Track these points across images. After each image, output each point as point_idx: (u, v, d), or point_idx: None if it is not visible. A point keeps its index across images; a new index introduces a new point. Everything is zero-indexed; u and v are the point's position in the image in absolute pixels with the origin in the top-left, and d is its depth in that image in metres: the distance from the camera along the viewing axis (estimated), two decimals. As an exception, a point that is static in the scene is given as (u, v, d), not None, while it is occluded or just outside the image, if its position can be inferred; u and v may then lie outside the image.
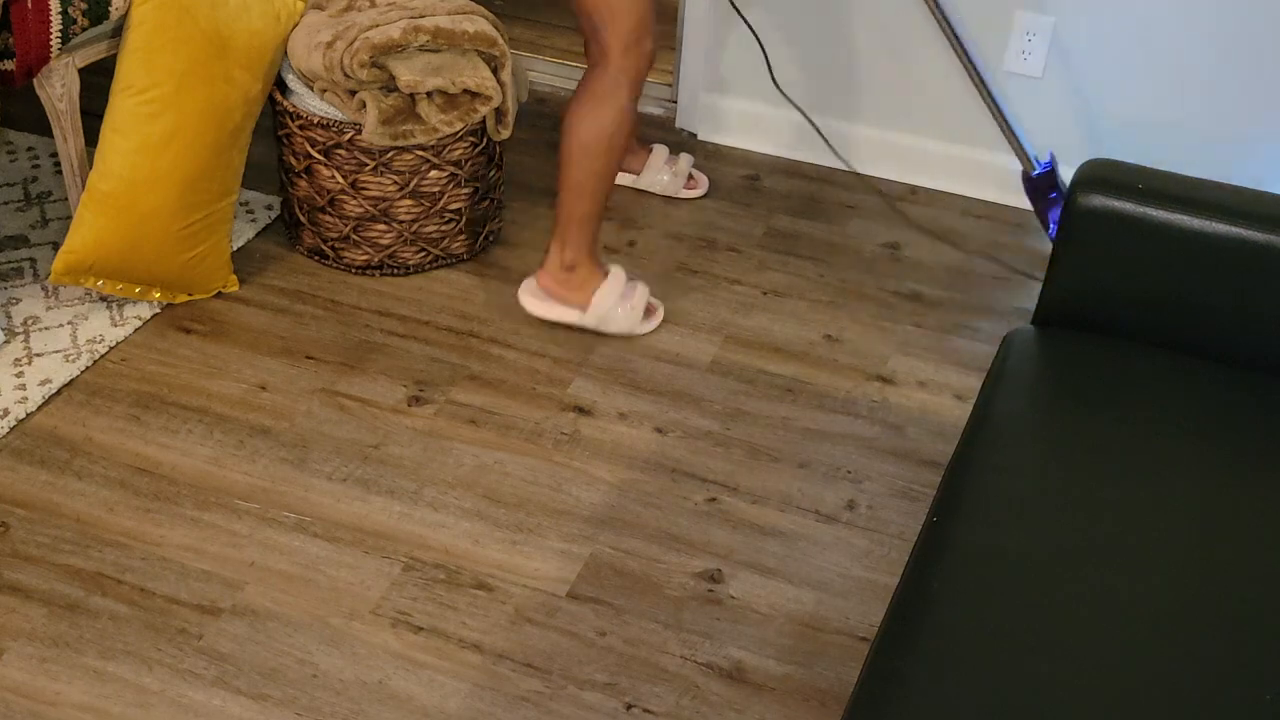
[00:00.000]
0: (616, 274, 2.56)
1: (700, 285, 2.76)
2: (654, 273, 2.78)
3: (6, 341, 2.48)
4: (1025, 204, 3.05)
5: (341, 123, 2.56)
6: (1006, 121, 2.73)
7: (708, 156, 3.20)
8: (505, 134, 2.67)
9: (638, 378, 2.50)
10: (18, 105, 3.09)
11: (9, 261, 2.69)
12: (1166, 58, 2.81)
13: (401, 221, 2.66)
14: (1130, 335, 1.85)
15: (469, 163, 2.67)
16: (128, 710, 1.87)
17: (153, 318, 2.57)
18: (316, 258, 2.74)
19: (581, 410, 2.42)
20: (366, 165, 2.58)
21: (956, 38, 2.69)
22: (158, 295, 2.56)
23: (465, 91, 2.55)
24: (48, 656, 1.94)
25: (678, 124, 3.28)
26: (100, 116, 2.43)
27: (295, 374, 2.47)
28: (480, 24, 2.56)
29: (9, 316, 2.54)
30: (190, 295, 2.60)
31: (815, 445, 2.37)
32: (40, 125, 2.95)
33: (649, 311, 2.62)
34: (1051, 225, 2.75)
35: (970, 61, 2.71)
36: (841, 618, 2.06)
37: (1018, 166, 3.03)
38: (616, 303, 2.55)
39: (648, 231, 2.91)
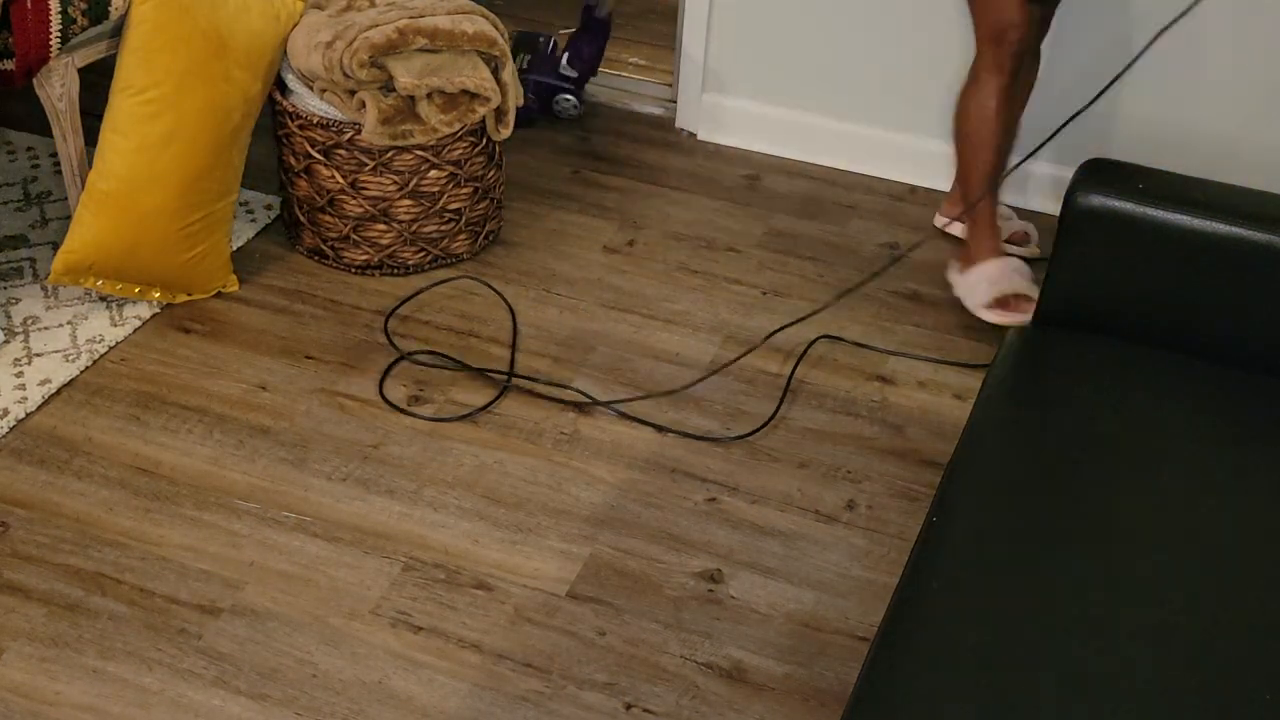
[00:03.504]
0: (1000, 263, 2.61)
1: (700, 285, 2.76)
2: (654, 273, 2.78)
3: (6, 341, 2.48)
4: (1024, 204, 3.05)
5: (341, 123, 2.56)
6: None
7: (708, 156, 3.20)
8: (505, 134, 2.67)
9: (638, 377, 2.50)
10: (17, 105, 3.09)
11: (9, 261, 2.69)
12: (1166, 57, 2.81)
13: (401, 221, 2.66)
14: (1130, 335, 1.85)
15: (468, 162, 2.67)
16: (127, 710, 1.87)
17: (152, 317, 2.57)
18: (316, 257, 2.74)
19: (581, 410, 2.42)
20: (366, 165, 2.58)
21: None
22: (157, 295, 2.56)
23: (464, 92, 2.55)
24: (47, 656, 1.93)
25: (677, 124, 3.28)
26: (100, 116, 2.43)
27: (295, 374, 2.47)
28: (480, 24, 2.56)
29: (9, 316, 2.54)
30: (190, 295, 2.60)
31: (815, 445, 2.37)
32: (40, 125, 2.95)
33: (1005, 305, 2.61)
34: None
35: None
36: (841, 617, 2.06)
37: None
38: (978, 280, 2.63)
39: (647, 231, 2.91)
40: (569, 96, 3.21)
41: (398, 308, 2.64)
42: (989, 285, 2.60)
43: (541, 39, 3.24)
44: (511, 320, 2.63)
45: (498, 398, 2.43)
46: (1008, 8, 2.38)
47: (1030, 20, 2.40)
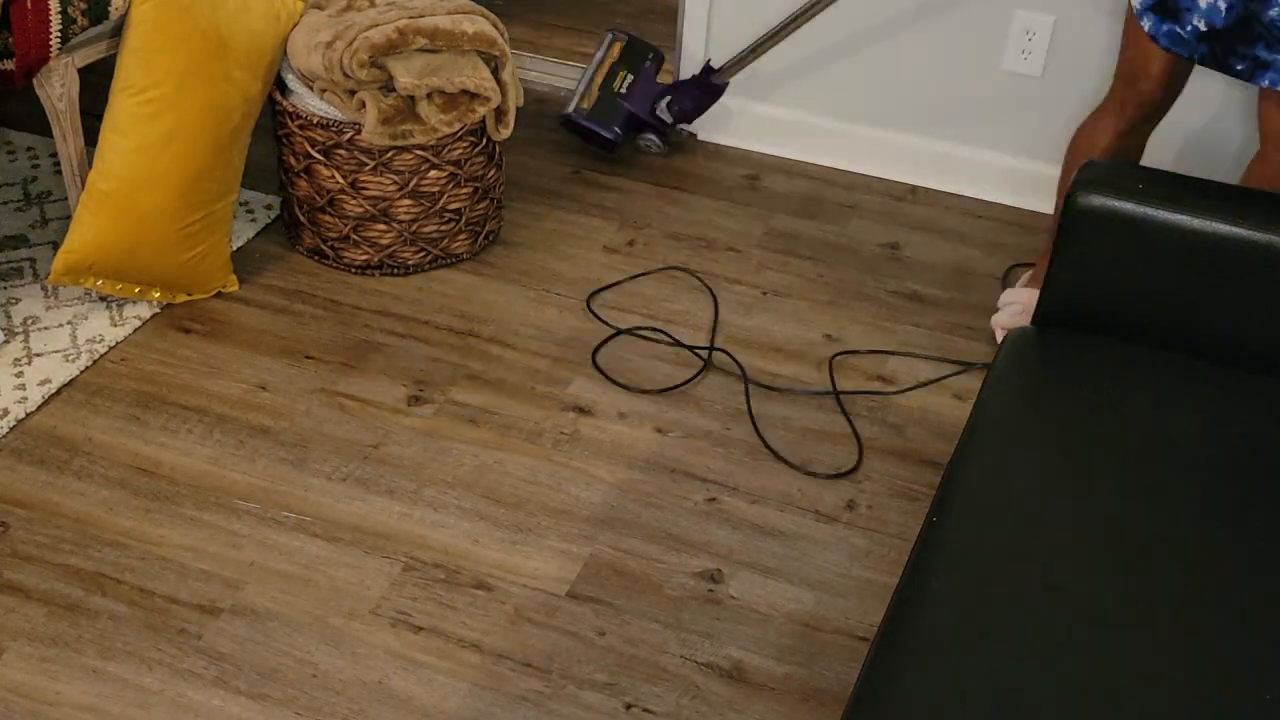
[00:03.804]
0: (1031, 291, 2.61)
1: (700, 285, 2.75)
2: (654, 273, 2.78)
3: (6, 341, 2.48)
4: (1024, 204, 3.06)
5: (341, 122, 2.56)
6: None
7: (708, 156, 3.19)
8: (505, 134, 2.67)
9: (637, 377, 2.50)
10: (17, 105, 3.09)
11: (9, 261, 2.69)
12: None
13: (401, 221, 2.66)
14: (1130, 335, 1.85)
15: (468, 162, 2.67)
16: (127, 710, 1.87)
17: (152, 317, 2.57)
18: (316, 257, 2.74)
19: (581, 410, 2.42)
20: (366, 165, 2.58)
21: None
22: (157, 295, 2.56)
23: (464, 92, 2.55)
24: (47, 656, 1.93)
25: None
26: (100, 116, 2.43)
27: (295, 374, 2.47)
28: (480, 24, 2.56)
29: (9, 316, 2.54)
30: (190, 295, 2.60)
31: (814, 445, 2.37)
32: (40, 125, 2.95)
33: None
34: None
35: None
36: (841, 618, 2.06)
37: (1018, 166, 3.03)
38: (1016, 299, 2.64)
39: (647, 231, 2.91)
40: (654, 137, 3.13)
41: (600, 291, 2.71)
42: (1020, 310, 2.61)
43: (649, 60, 3.11)
44: (714, 302, 2.70)
45: (697, 375, 2.50)
46: (1147, 57, 2.30)
47: (1166, 75, 2.31)
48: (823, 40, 3.05)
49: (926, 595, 1.47)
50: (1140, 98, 2.36)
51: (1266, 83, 2.20)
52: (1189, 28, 2.20)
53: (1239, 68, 2.20)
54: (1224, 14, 2.16)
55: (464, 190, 2.69)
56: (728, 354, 2.56)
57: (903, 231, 2.97)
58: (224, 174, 2.53)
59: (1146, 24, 2.24)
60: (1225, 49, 2.19)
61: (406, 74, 2.47)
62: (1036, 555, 1.52)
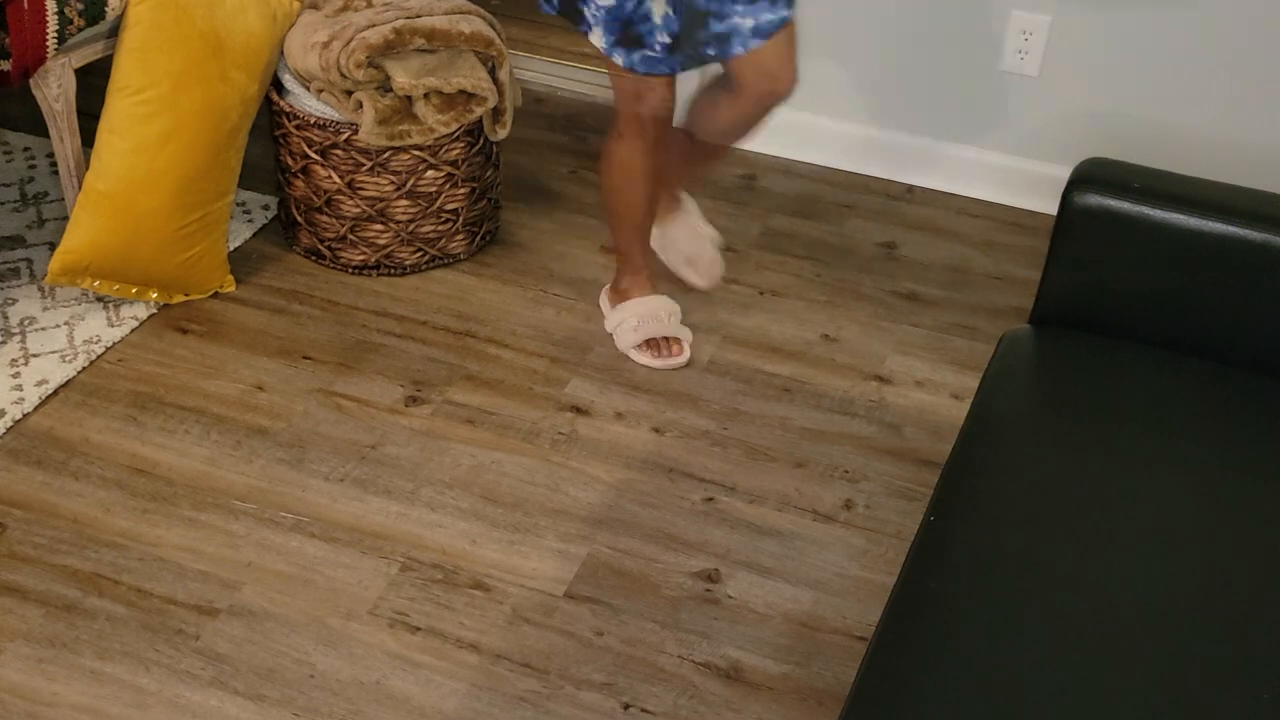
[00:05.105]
0: (649, 302, 2.56)
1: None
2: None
3: (3, 342, 2.48)
4: (1021, 203, 3.06)
5: (338, 123, 2.56)
6: None
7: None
8: (503, 134, 2.67)
9: (635, 377, 2.50)
10: (14, 105, 3.09)
11: (5, 262, 2.68)
12: (1164, 56, 2.82)
13: (398, 221, 2.66)
14: (1127, 335, 1.85)
15: (466, 163, 2.67)
16: (125, 711, 1.87)
17: (149, 318, 2.57)
18: (313, 258, 2.74)
19: (579, 410, 2.42)
20: (363, 165, 2.58)
21: None
22: (154, 295, 2.56)
23: (461, 92, 2.55)
24: (45, 657, 1.93)
25: (674, 123, 3.27)
26: (97, 117, 2.43)
27: (292, 374, 2.47)
28: (477, 24, 2.56)
29: (5, 317, 2.54)
30: (187, 295, 2.60)
31: (813, 445, 2.37)
32: (37, 126, 2.95)
33: (656, 348, 2.53)
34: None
35: None
36: (839, 617, 2.06)
37: (1015, 165, 3.03)
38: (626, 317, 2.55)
39: (645, 231, 2.91)
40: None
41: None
42: (637, 325, 2.55)
43: None
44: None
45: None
46: (638, 87, 2.30)
47: (665, 91, 2.33)
48: (820, 40, 3.05)
49: (924, 595, 1.47)
50: (654, 118, 2.37)
51: (739, 50, 2.22)
52: (657, 47, 2.20)
53: (712, 54, 2.22)
54: (675, 20, 2.17)
55: (461, 190, 2.69)
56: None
57: (900, 231, 2.97)
58: (221, 174, 2.53)
59: (619, 59, 2.23)
60: (692, 47, 2.21)
61: (403, 74, 2.48)
62: (1034, 554, 1.52)
